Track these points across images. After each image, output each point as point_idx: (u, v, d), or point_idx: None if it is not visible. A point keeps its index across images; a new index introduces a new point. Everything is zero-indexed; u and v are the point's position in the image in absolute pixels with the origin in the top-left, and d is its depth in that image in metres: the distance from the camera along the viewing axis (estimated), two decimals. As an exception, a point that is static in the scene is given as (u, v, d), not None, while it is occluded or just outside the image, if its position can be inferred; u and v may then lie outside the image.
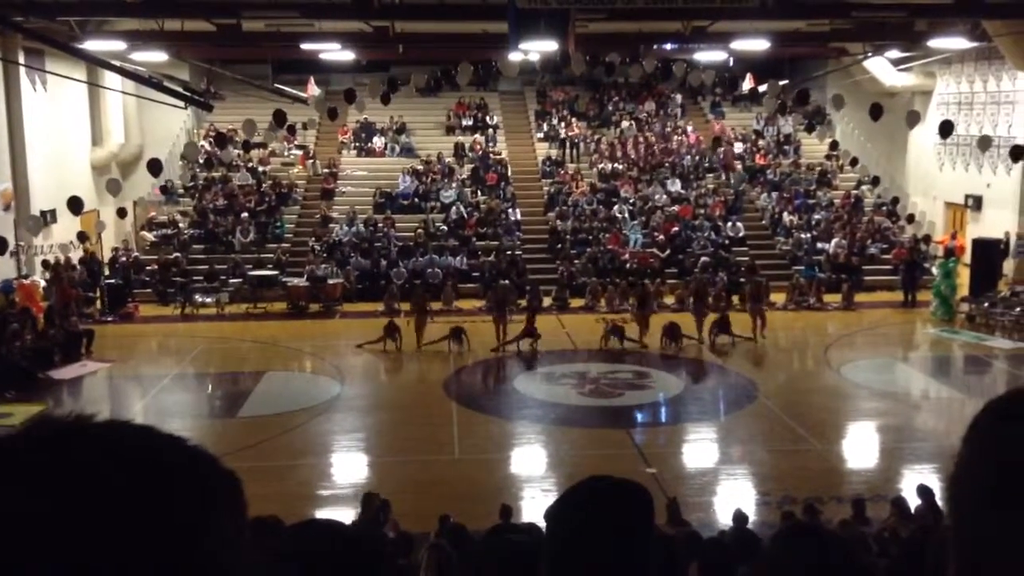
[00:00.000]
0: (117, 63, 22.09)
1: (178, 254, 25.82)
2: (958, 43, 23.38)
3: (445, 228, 27.51)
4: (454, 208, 28.12)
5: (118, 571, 0.76)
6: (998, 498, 0.78)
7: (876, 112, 21.43)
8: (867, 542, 8.69)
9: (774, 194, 29.51)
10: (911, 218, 28.84)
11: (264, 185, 29.16)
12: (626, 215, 28.12)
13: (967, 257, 25.40)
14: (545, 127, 32.69)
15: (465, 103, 33.25)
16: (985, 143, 22.50)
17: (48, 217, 23.60)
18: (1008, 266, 26.21)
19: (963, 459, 0.83)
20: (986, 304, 22.22)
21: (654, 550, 1.87)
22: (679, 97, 34.02)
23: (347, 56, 26.77)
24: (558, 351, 19.64)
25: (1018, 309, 21.44)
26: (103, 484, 0.78)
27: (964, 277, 23.73)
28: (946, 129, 22.03)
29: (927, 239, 27.19)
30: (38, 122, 24.29)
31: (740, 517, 9.62)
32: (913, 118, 23.02)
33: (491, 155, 31.00)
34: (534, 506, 11.29)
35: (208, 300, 23.82)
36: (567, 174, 30.13)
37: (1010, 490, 0.77)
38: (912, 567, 6.49)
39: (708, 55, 26.36)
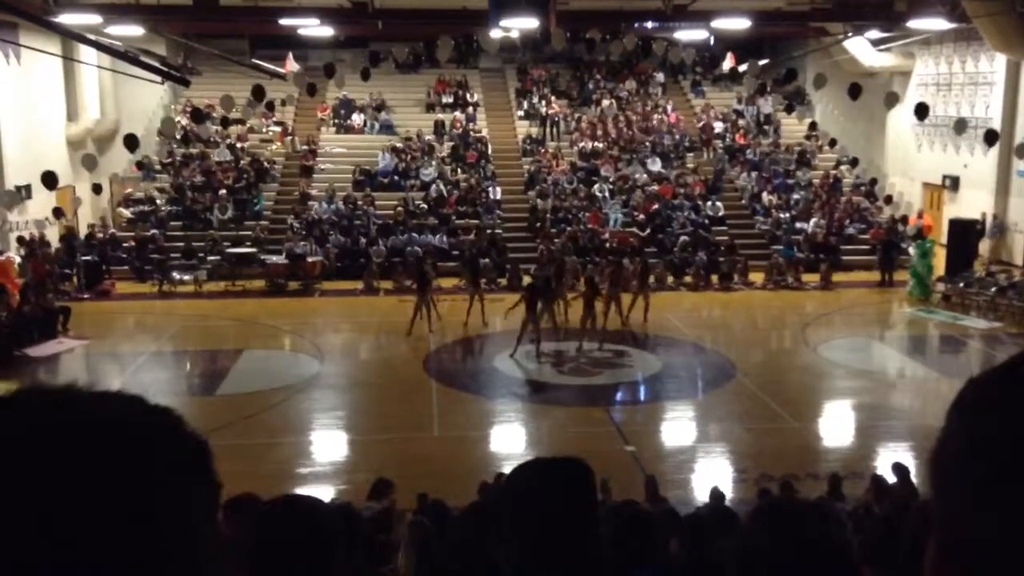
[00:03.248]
0: (92, 37, 21.80)
1: (155, 231, 25.63)
2: (937, 24, 23.44)
3: (425, 206, 27.43)
4: (434, 186, 28.03)
5: (90, 536, 0.77)
6: (988, 471, 0.79)
7: (855, 91, 21.50)
8: (841, 519, 8.79)
9: (753, 174, 29.60)
10: (889, 198, 29.04)
11: (242, 162, 28.95)
12: (606, 194, 28.13)
13: (943, 237, 25.63)
14: (525, 105, 32.60)
15: (445, 80, 33.08)
16: (961, 126, 22.64)
17: (23, 193, 23.33)
18: (984, 246, 26.47)
19: (949, 431, 0.84)
20: (962, 284, 22.42)
21: (597, 522, 1.90)
22: (660, 76, 33.99)
23: (326, 32, 26.50)
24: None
25: (993, 289, 21.65)
26: (72, 451, 0.79)
27: (940, 257, 23.93)
28: (922, 111, 22.13)
29: (904, 219, 27.40)
30: (12, 96, 23.96)
31: (717, 495, 9.71)
32: (891, 99, 23.13)
33: (471, 133, 30.89)
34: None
35: (186, 277, 23.68)
36: (547, 152, 30.08)
37: (1001, 462, 0.78)
38: (885, 543, 6.57)
39: (689, 34, 26.32)
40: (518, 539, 1.82)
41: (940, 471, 0.85)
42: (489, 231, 26.20)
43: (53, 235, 24.24)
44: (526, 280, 21.35)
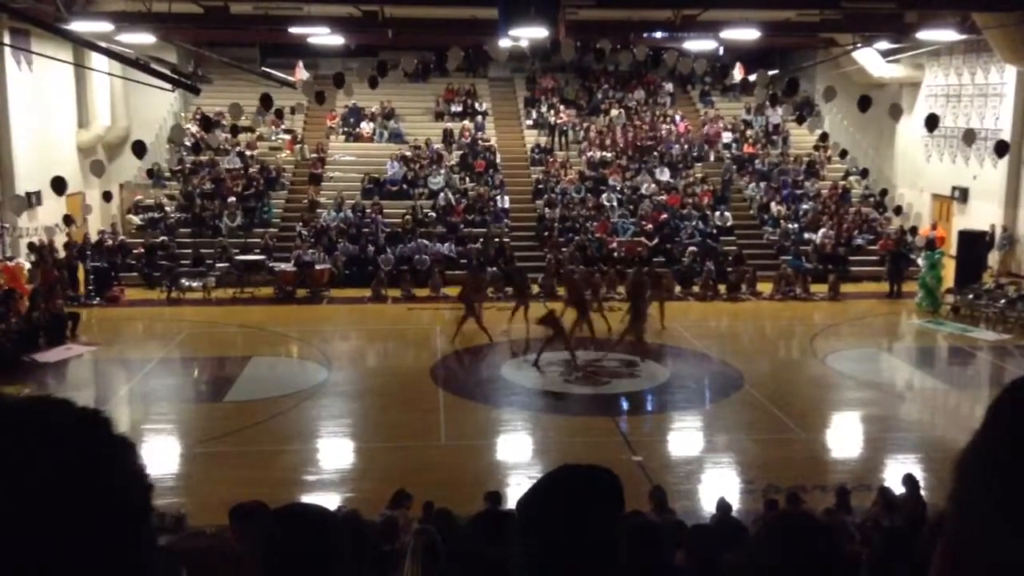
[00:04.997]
0: (104, 44, 21.91)
1: (165, 238, 25.71)
2: (947, 35, 23.42)
3: (433, 215, 27.47)
4: (442, 195, 28.07)
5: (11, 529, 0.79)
6: (1012, 473, 0.75)
7: (864, 104, 21.47)
8: (849, 531, 8.76)
9: (762, 184, 29.57)
10: (898, 209, 28.96)
11: (252, 169, 29.03)
12: (614, 204, 28.13)
13: (952, 249, 25.56)
14: (534, 114, 32.64)
15: (454, 89, 33.15)
16: (970, 137, 22.59)
17: (33, 199, 23.45)
18: (993, 258, 26.39)
19: (986, 436, 0.79)
20: (971, 296, 22.35)
21: (624, 535, 1.90)
22: (669, 86, 34.00)
23: (336, 40, 26.61)
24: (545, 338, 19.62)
25: (1003, 301, 21.58)
26: None
27: (950, 269, 23.86)
28: (932, 122, 22.08)
29: (913, 231, 27.32)
30: (23, 103, 24.11)
31: (724, 506, 9.68)
32: (896, 111, 23.06)
33: (480, 142, 30.94)
34: (520, 493, 11.30)
35: (195, 284, 23.74)
36: (556, 162, 30.10)
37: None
38: (894, 557, 6.54)
39: (698, 44, 26.34)
40: (539, 547, 1.82)
41: (967, 478, 0.79)
42: (497, 240, 26.23)
43: (62, 243, 24.32)
44: (535, 289, 21.46)
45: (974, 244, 24.46)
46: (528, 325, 19.58)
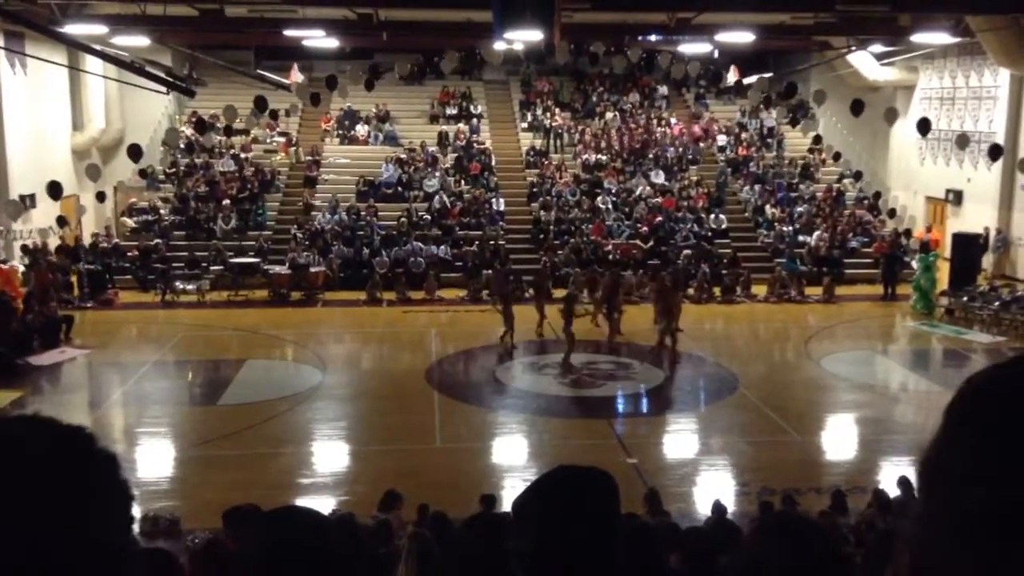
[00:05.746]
0: (98, 47, 21.88)
1: (159, 240, 25.66)
2: (941, 38, 23.46)
3: (428, 217, 27.46)
4: (437, 197, 28.06)
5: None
6: (976, 475, 0.71)
7: (857, 108, 21.51)
8: (844, 533, 8.76)
9: (757, 187, 29.61)
10: (892, 212, 29.01)
11: (246, 172, 28.99)
12: (609, 206, 28.15)
13: (946, 251, 25.60)
14: (529, 117, 32.65)
15: (449, 92, 33.15)
16: (963, 142, 22.63)
17: (28, 202, 23.39)
18: (987, 260, 26.44)
19: (948, 442, 0.74)
20: (965, 298, 22.39)
21: (621, 536, 1.90)
22: (664, 89, 34.04)
23: (331, 43, 26.59)
24: (540, 341, 19.65)
25: (997, 303, 21.62)
26: None
27: (944, 271, 23.90)
28: (924, 127, 22.13)
29: (908, 233, 27.37)
30: (18, 106, 24.06)
31: (719, 508, 9.69)
32: (891, 114, 23.11)
33: (475, 144, 30.93)
34: (515, 496, 11.28)
35: (189, 287, 23.69)
36: (551, 164, 30.11)
37: (989, 466, 0.69)
38: (889, 558, 6.54)
39: (693, 47, 26.36)
40: (535, 548, 1.82)
41: (928, 486, 0.74)
42: (492, 242, 26.22)
43: (56, 245, 24.26)
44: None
45: (968, 247, 24.51)
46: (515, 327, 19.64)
